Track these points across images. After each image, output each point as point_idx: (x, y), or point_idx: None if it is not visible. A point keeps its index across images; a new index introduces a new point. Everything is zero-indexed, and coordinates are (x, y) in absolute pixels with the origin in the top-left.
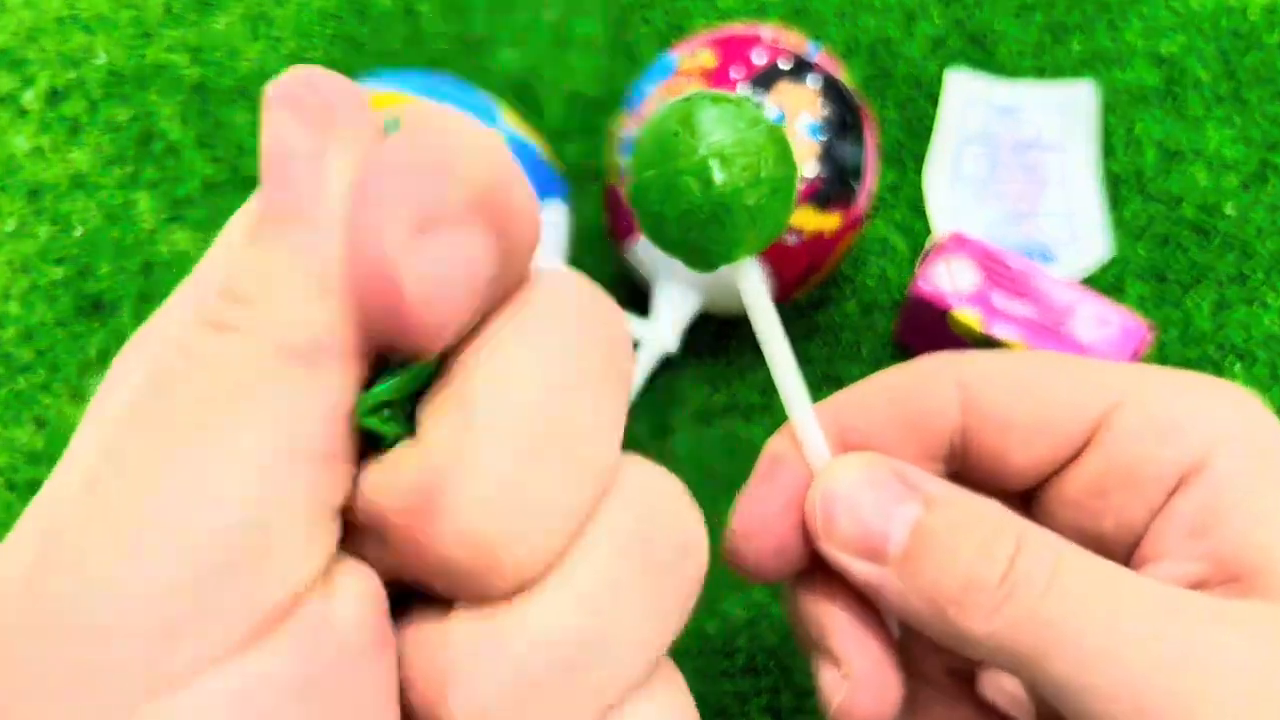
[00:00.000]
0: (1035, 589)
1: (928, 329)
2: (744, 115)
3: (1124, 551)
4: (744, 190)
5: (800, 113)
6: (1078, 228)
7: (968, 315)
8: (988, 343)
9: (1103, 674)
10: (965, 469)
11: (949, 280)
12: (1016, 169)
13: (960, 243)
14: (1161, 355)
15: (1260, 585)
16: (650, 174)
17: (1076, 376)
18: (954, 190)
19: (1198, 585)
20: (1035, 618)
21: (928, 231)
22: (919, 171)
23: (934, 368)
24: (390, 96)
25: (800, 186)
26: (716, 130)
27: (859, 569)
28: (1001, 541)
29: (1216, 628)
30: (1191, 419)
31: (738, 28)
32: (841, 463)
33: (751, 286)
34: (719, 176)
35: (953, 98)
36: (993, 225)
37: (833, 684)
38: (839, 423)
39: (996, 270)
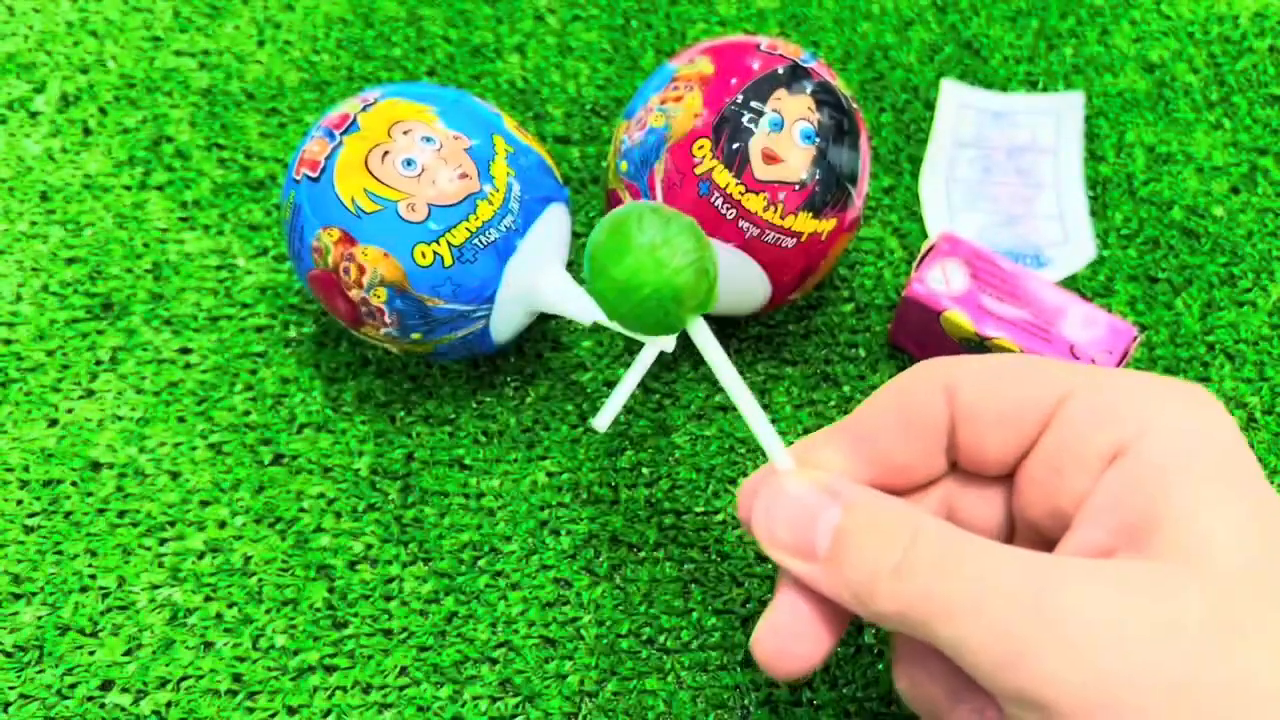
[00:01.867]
0: (924, 570)
1: (921, 330)
2: (669, 219)
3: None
4: (680, 280)
5: (796, 119)
6: (1070, 229)
7: (959, 316)
8: (980, 343)
9: (973, 629)
10: (960, 461)
11: (942, 282)
12: (1010, 173)
13: (953, 245)
14: (1151, 356)
15: (1152, 548)
16: (606, 281)
17: (1037, 373)
18: (948, 194)
19: (1104, 553)
20: (926, 593)
21: (922, 234)
22: (914, 175)
23: (924, 374)
24: (398, 105)
25: (798, 192)
26: (652, 234)
27: (797, 568)
28: (899, 535)
29: (1080, 584)
30: (1129, 406)
31: (735, 36)
32: (783, 477)
33: (702, 339)
34: (661, 274)
35: (946, 104)
36: (986, 228)
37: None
38: (857, 432)
39: (987, 272)
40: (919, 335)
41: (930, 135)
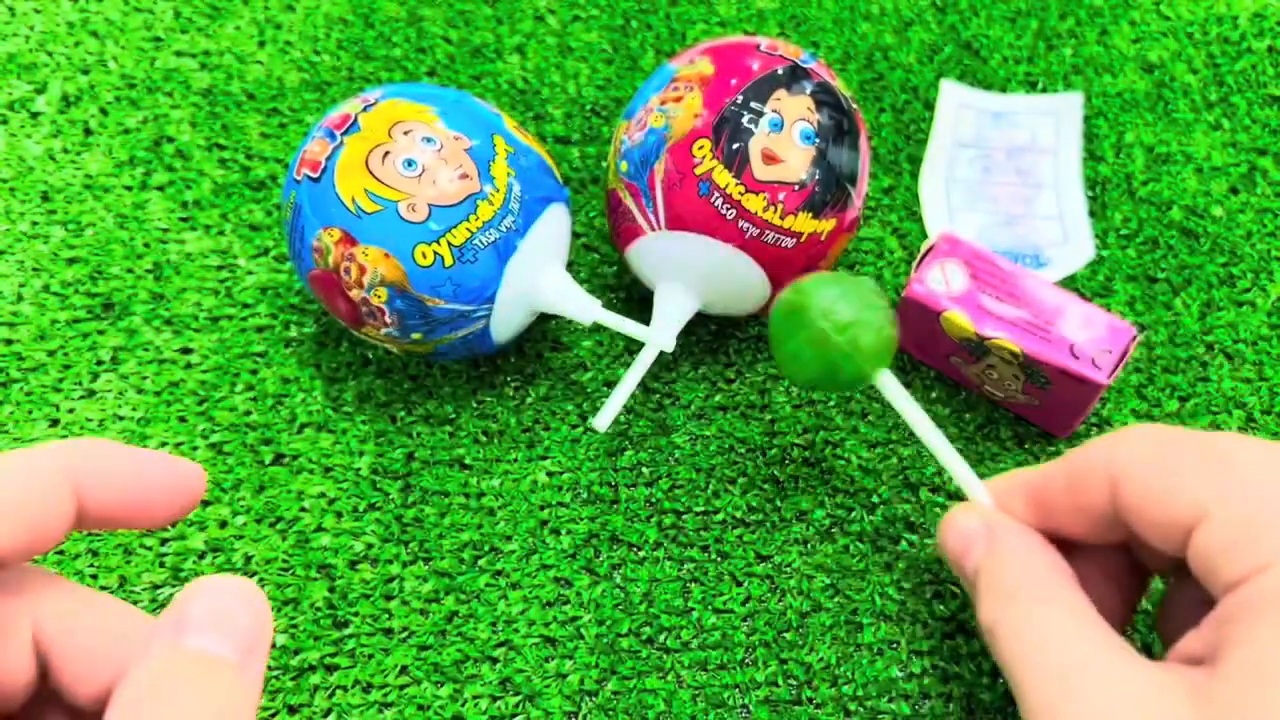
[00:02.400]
0: (1005, 637)
1: (921, 330)
2: (853, 287)
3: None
4: (861, 343)
5: (796, 119)
6: (1069, 230)
7: (959, 317)
8: (980, 343)
9: (1022, 692)
10: (1132, 542)
11: (942, 283)
12: (1010, 173)
13: (952, 245)
14: (1150, 356)
15: (1220, 662)
16: (794, 343)
17: (1183, 483)
18: (948, 194)
19: (1193, 660)
20: (1007, 654)
21: (922, 234)
22: (914, 175)
23: (1092, 462)
24: (398, 106)
25: (798, 192)
26: (837, 305)
27: (957, 569)
28: (1005, 598)
29: (1130, 684)
30: (1261, 542)
31: (735, 37)
32: (964, 508)
33: (891, 389)
34: (843, 338)
35: (946, 104)
36: (986, 228)
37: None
38: (1036, 498)
39: (987, 272)
40: (918, 335)
41: (929, 135)
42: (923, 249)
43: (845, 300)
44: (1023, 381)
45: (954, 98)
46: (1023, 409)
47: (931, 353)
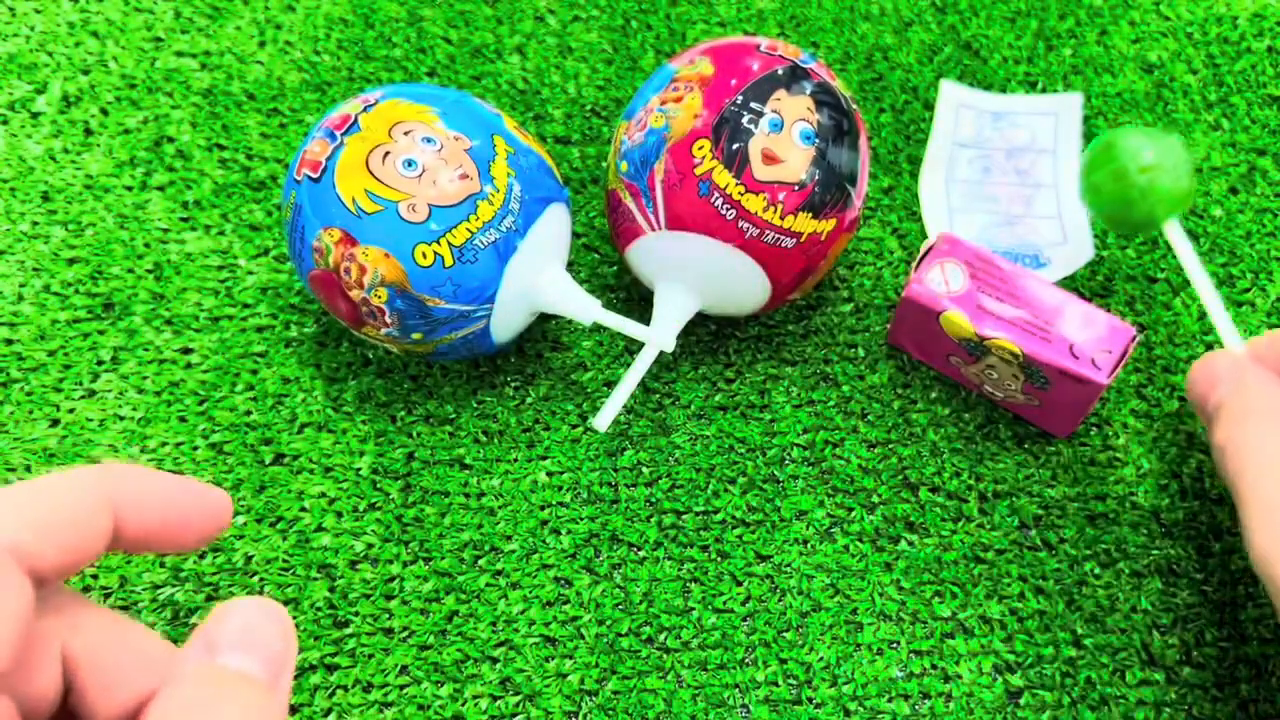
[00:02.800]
0: (1233, 445)
1: (921, 330)
2: (1164, 139)
3: None
4: (1157, 185)
5: (796, 120)
6: (1069, 230)
7: (958, 317)
8: (979, 343)
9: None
10: None
11: (942, 283)
12: (1010, 173)
13: (952, 245)
14: (1150, 356)
15: None
16: (1099, 174)
17: None
18: (948, 194)
19: None
20: (1230, 448)
21: (921, 234)
22: (913, 176)
23: None
24: (399, 106)
25: (798, 192)
26: (1144, 148)
27: (1200, 407)
28: (1240, 408)
29: None
30: None
31: (735, 37)
32: (1216, 353)
33: (1175, 239)
34: (1144, 178)
35: (945, 104)
36: (986, 228)
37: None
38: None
39: (986, 272)
40: (918, 335)
41: (929, 136)
42: (922, 249)
43: (1153, 146)
44: (1022, 381)
45: (953, 98)
46: (1022, 409)
47: (931, 353)
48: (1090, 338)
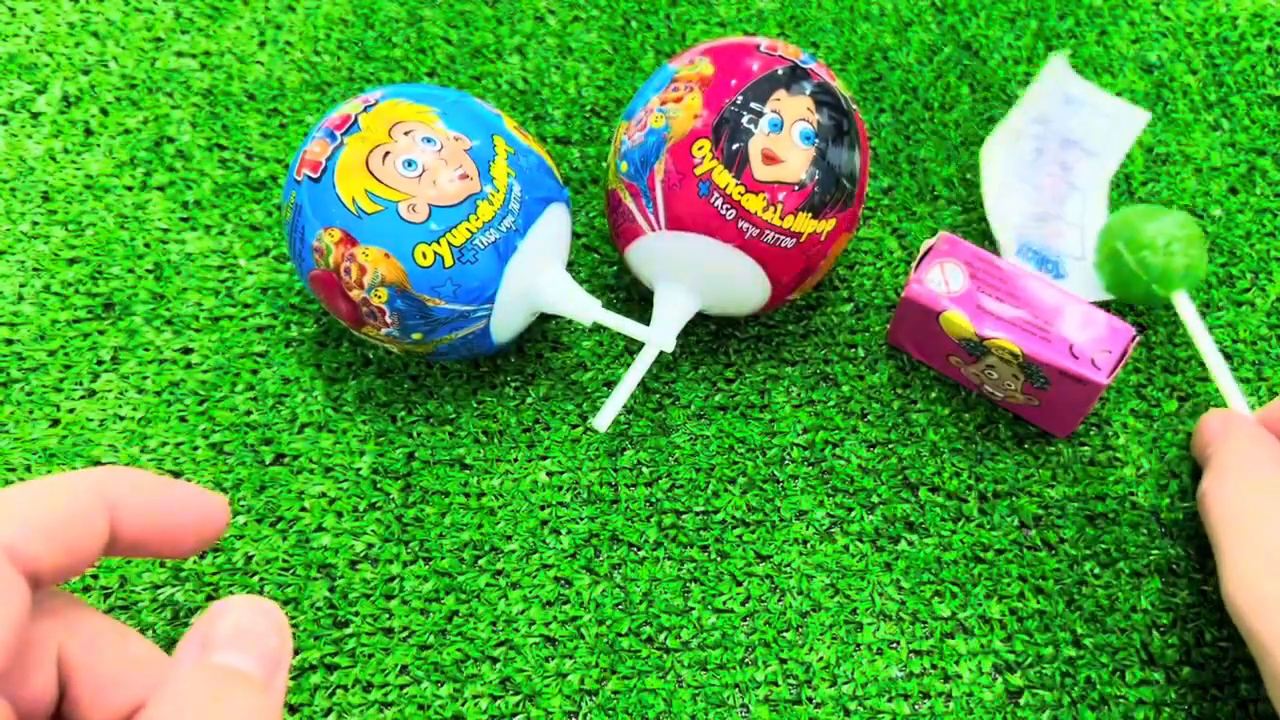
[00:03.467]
0: (1211, 496)
1: (920, 330)
2: (1166, 216)
3: None
4: (1148, 264)
5: (796, 120)
6: (1086, 247)
7: (958, 317)
8: (979, 343)
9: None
10: None
11: (941, 283)
12: (1056, 164)
13: (952, 245)
14: (1150, 356)
15: None
16: (1099, 258)
17: None
18: (1005, 163)
19: None
20: (1209, 499)
21: (921, 234)
22: (913, 176)
23: None
24: (399, 106)
25: (797, 192)
26: (1134, 229)
27: (1200, 458)
28: (1223, 461)
29: None
30: None
31: (735, 37)
32: (1217, 410)
33: (1183, 310)
34: (1134, 259)
35: (1045, 77)
36: (1022, 219)
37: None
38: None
39: (986, 272)
40: (917, 335)
41: (1018, 103)
42: (922, 249)
43: (1146, 225)
44: (1022, 381)
45: (1054, 72)
46: (1022, 409)
47: (931, 353)
48: (1090, 338)
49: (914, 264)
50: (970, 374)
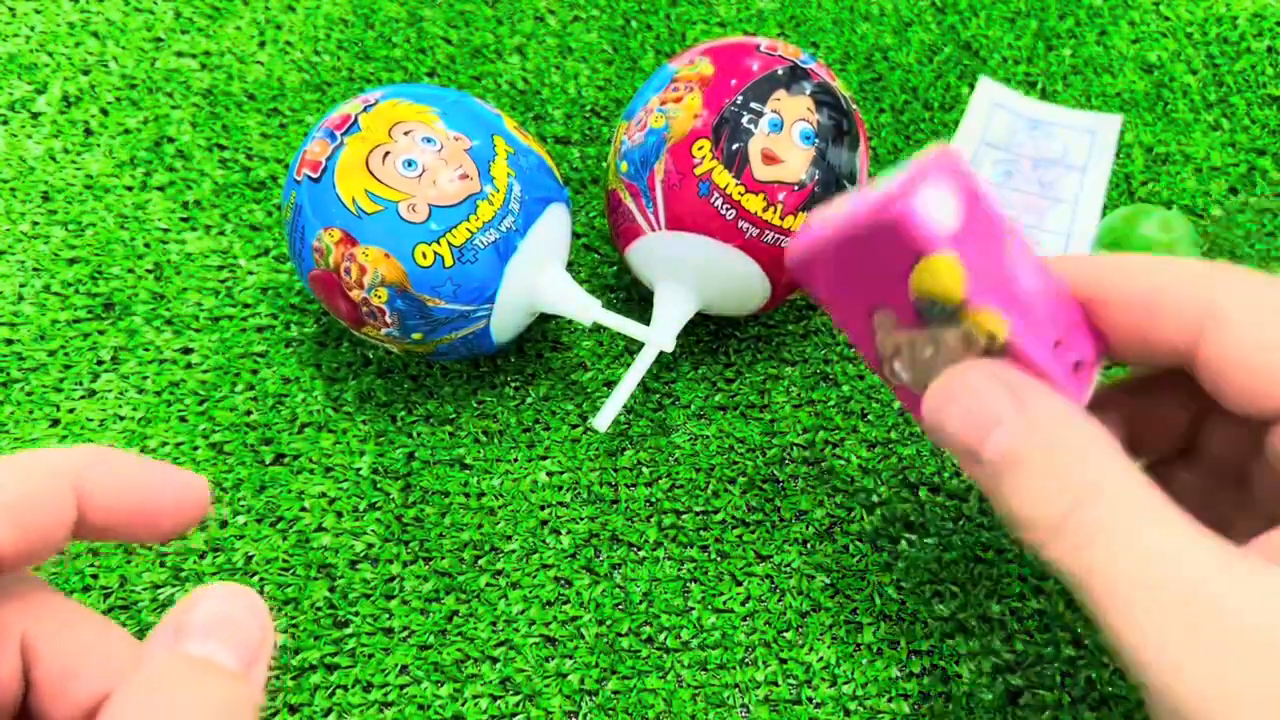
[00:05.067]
0: (1088, 539)
1: (859, 266)
2: (1149, 219)
3: None
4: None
5: (796, 120)
6: (1072, 248)
7: (950, 266)
8: (952, 309)
9: (1130, 621)
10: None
11: (941, 213)
12: (1033, 183)
13: (951, 167)
14: None
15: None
16: (1118, 253)
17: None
18: None
19: None
20: (1088, 565)
21: None
22: None
23: (1181, 299)
24: (399, 106)
25: (797, 192)
26: (1133, 234)
27: (961, 459)
28: (1072, 485)
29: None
30: None
31: (735, 37)
32: (971, 365)
33: None
34: (1156, 254)
35: (980, 102)
36: None
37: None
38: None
39: (982, 217)
40: (848, 271)
41: (958, 129)
42: (912, 164)
43: (1125, 231)
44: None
45: (990, 96)
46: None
47: (850, 298)
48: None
49: (896, 176)
50: (887, 343)
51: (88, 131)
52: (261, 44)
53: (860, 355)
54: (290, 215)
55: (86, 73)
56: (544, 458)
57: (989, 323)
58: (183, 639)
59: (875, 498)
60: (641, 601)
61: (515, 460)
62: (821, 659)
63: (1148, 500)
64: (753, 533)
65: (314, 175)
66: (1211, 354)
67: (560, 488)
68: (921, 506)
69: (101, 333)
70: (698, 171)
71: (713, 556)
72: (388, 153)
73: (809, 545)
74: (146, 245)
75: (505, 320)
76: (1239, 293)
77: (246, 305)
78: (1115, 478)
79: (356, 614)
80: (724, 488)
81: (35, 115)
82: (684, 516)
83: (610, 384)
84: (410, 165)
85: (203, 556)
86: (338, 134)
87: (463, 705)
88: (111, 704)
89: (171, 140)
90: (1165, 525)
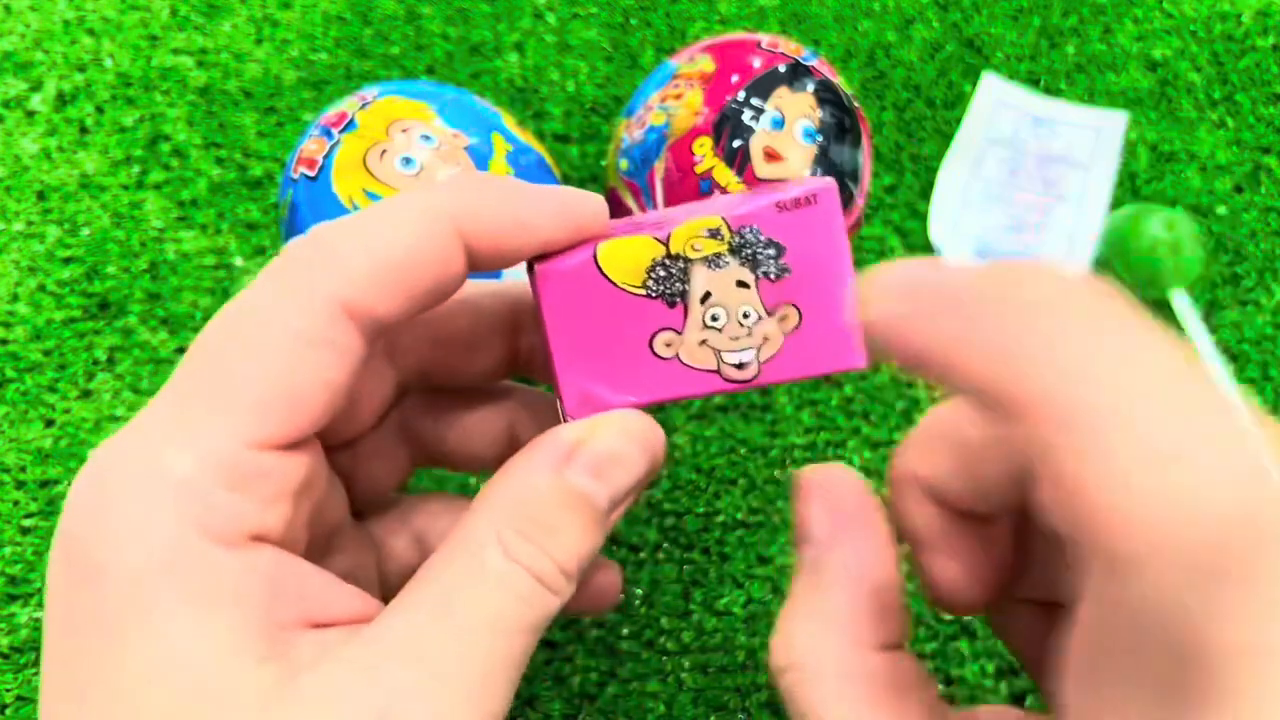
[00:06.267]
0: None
1: (591, 328)
2: (1154, 218)
3: None
4: (1160, 266)
5: (798, 117)
6: (1075, 246)
7: (626, 243)
8: (673, 261)
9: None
10: None
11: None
12: (1037, 181)
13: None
14: None
15: None
16: (1105, 256)
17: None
18: (967, 188)
19: None
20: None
21: (924, 232)
22: (916, 174)
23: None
24: (396, 104)
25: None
26: (1137, 234)
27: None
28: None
29: None
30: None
31: (736, 34)
32: (829, 471)
33: (1182, 306)
34: (1144, 263)
35: (983, 98)
36: (990, 230)
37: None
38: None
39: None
40: (594, 343)
41: (960, 126)
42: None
43: (1128, 230)
44: (755, 290)
45: (993, 93)
46: (792, 360)
47: (627, 364)
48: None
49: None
50: (694, 354)
51: (83, 129)
52: (258, 41)
53: (696, 396)
54: (286, 214)
55: (82, 70)
56: None
57: (704, 225)
58: (572, 467)
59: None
60: (641, 604)
61: None
62: None
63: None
64: (754, 534)
65: (310, 173)
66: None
67: None
68: None
69: (97, 332)
70: (699, 169)
71: (714, 558)
72: (385, 150)
73: None
74: (142, 244)
75: None
76: None
77: None
78: (820, 669)
79: None
80: (724, 489)
81: (30, 113)
82: (685, 518)
83: None
84: (408, 163)
85: None
86: (334, 132)
87: None
88: (490, 494)
89: (167, 138)
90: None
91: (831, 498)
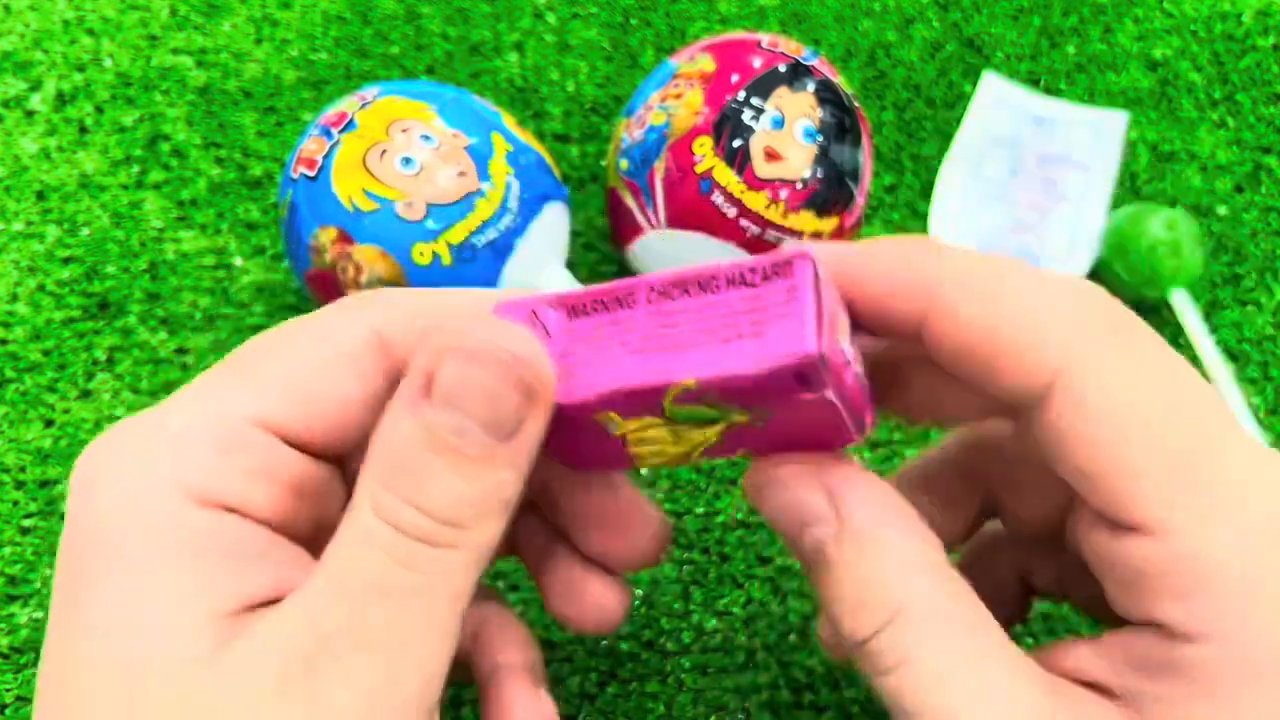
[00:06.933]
0: (894, 662)
1: (587, 441)
2: (1153, 218)
3: None
4: (1160, 266)
5: (798, 117)
6: (1075, 245)
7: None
8: (709, 414)
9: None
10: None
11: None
12: (1037, 180)
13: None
14: None
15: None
16: (1105, 257)
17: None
18: (966, 189)
19: (1094, 687)
20: (895, 683)
21: (924, 233)
22: (916, 174)
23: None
24: (396, 104)
25: (800, 190)
26: (1136, 234)
27: (790, 541)
28: (880, 609)
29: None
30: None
31: (736, 33)
32: (773, 466)
33: (1183, 306)
34: (1144, 264)
35: (984, 98)
36: (991, 230)
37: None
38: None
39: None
40: (590, 452)
41: (960, 125)
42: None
43: (1127, 231)
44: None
45: (993, 93)
46: (764, 438)
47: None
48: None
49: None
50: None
51: (82, 129)
52: (258, 41)
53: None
54: (286, 214)
55: (81, 70)
56: None
57: (682, 387)
58: (430, 403)
59: None
60: (641, 605)
61: None
62: (824, 663)
63: (954, 625)
64: (754, 535)
65: (310, 173)
66: (940, 330)
67: None
68: None
69: (97, 332)
70: (699, 169)
71: (714, 559)
72: (385, 150)
73: None
74: (142, 244)
75: None
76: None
77: (242, 305)
78: (921, 598)
79: None
80: (724, 489)
81: (30, 113)
82: (684, 518)
83: None
84: (408, 163)
85: None
86: (334, 131)
87: (461, 709)
88: (370, 447)
89: (167, 138)
90: (971, 656)
91: (804, 476)
